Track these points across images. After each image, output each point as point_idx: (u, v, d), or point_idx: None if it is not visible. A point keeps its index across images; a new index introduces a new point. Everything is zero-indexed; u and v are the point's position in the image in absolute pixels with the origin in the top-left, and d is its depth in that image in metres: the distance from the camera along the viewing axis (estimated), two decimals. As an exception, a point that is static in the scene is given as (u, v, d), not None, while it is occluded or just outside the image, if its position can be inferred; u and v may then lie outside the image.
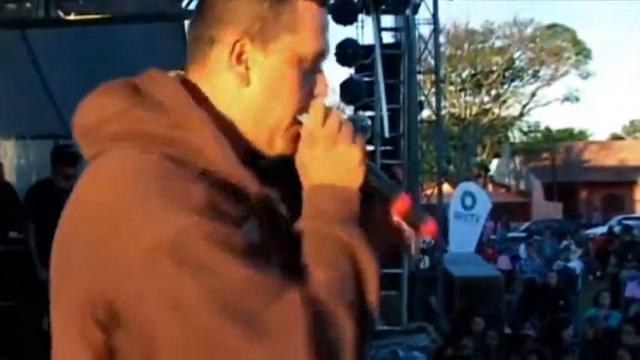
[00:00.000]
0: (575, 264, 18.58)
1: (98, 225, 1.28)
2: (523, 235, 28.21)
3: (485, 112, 48.25)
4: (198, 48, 1.44)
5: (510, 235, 29.31)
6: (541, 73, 49.37)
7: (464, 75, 48.21)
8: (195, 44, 1.45)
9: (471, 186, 18.35)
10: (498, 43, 48.63)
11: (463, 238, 15.62)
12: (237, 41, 1.39)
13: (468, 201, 16.31)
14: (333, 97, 10.86)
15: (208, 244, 1.22)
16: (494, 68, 48.08)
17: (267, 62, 1.41)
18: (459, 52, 47.36)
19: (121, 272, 1.24)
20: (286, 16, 1.40)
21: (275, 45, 1.41)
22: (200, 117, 1.36)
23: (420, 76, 11.72)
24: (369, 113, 9.76)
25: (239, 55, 1.40)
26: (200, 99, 1.40)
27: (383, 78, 8.87)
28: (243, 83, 1.41)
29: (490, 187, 50.01)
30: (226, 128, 1.40)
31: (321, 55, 1.46)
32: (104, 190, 1.31)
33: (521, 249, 21.00)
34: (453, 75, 47.15)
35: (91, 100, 1.50)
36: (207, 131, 1.35)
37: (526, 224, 37.73)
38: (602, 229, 31.48)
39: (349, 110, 10.02)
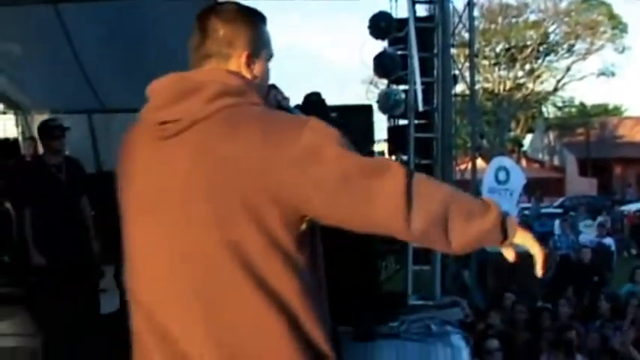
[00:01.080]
0: (607, 240, 18.44)
1: (261, 144, 2.10)
2: (557, 210, 28.05)
3: (519, 86, 47.85)
4: (220, 57, 2.36)
5: (544, 210, 29.08)
6: (576, 48, 48.80)
7: (498, 49, 47.76)
8: (215, 54, 2.36)
9: (505, 160, 18.14)
10: (533, 17, 48.11)
11: (497, 213, 15.49)
12: (246, 56, 2.37)
13: (502, 176, 16.13)
14: (366, 71, 10.78)
15: (335, 143, 2.12)
16: (529, 42, 47.59)
17: (259, 63, 2.41)
18: (493, 25, 46.91)
19: (285, 168, 2.08)
20: (263, 36, 2.45)
21: (262, 53, 2.43)
22: (253, 89, 2.33)
23: (453, 50, 11.58)
24: (402, 87, 9.69)
25: (248, 64, 2.37)
26: (248, 80, 2.37)
27: (417, 51, 8.78)
28: (253, 75, 2.39)
29: (524, 162, 49.72)
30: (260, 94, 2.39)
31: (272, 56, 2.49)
32: (255, 125, 2.16)
33: (556, 225, 20.88)
34: (487, 49, 46.73)
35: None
36: (257, 95, 2.33)
37: (560, 200, 37.52)
38: (636, 206, 31.24)
39: (382, 84, 9.95)
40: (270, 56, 2.46)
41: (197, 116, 2.19)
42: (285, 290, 2.16)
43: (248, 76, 2.35)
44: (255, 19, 2.41)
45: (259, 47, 2.40)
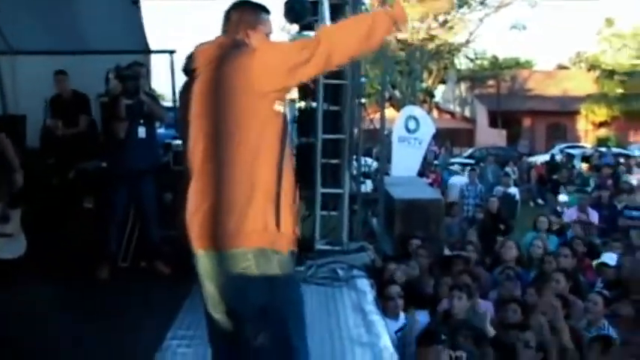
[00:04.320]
0: (514, 189, 18.81)
1: (259, 55, 3.54)
2: (467, 160, 28.44)
3: (433, 37, 48.04)
4: (230, 32, 3.81)
5: (454, 160, 29.47)
6: (489, 1, 49.13)
7: None
8: (228, 31, 3.83)
9: (415, 110, 18.33)
10: (447, -31, 48.20)
11: (406, 161, 15.63)
12: (249, 30, 3.81)
13: (412, 125, 16.30)
14: (277, 16, 10.67)
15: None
16: (442, -6, 47.74)
17: (257, 33, 3.83)
18: (407, -24, 46.83)
19: (267, 67, 3.50)
20: (261, 16, 3.88)
21: (259, 27, 3.84)
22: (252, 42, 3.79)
23: (366, -3, 11.53)
24: (312, 33, 9.61)
25: (248, 36, 3.79)
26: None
27: (327, -2, 8.70)
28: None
29: (435, 112, 50.24)
30: None
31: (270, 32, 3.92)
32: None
33: (464, 174, 21.19)
34: (401, -1, 46.64)
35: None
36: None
37: (470, 150, 38.06)
38: (544, 157, 31.88)
39: (293, 29, 9.86)
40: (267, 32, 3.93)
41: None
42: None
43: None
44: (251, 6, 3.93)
45: (257, 22, 3.88)
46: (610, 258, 9.75)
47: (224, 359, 3.85)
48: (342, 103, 8.91)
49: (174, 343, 5.69)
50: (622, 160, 26.63)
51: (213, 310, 3.73)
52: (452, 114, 55.18)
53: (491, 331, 6.96)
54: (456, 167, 25.51)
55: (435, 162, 26.82)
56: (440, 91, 56.92)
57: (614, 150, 34.18)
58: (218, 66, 3.61)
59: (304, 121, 9.08)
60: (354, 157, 9.44)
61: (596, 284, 9.15)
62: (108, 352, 5.63)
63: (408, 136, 16.19)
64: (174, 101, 11.07)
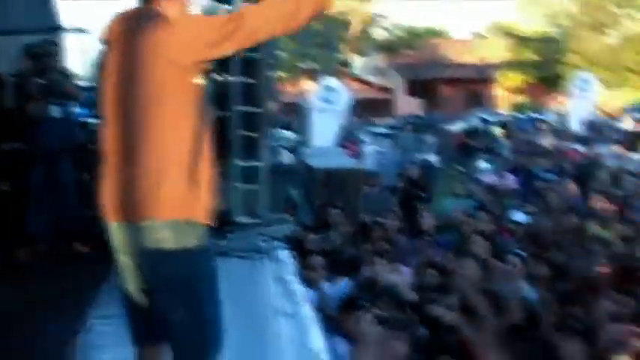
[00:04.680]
0: (433, 157, 18.98)
1: (178, 28, 3.51)
2: (385, 130, 28.57)
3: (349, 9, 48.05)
4: (147, 2, 3.64)
5: (373, 130, 29.57)
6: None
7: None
8: (145, 1, 3.65)
9: (331, 80, 18.39)
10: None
11: (324, 132, 15.70)
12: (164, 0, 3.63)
13: (329, 95, 16.38)
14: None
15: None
16: (358, -36, 47.79)
17: (174, 3, 3.66)
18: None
19: (186, 40, 3.47)
20: None
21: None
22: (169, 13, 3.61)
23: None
24: (225, 6, 9.54)
25: (164, 6, 3.61)
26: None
27: (238, -31, 8.64)
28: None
29: (353, 83, 50.34)
30: None
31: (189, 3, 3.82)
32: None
33: (383, 144, 21.31)
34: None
35: None
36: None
37: (388, 120, 38.24)
38: (461, 124, 32.17)
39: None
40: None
41: None
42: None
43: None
44: None
45: None
46: (520, 216, 9.97)
47: (140, 333, 3.84)
48: (257, 76, 8.87)
49: (98, 322, 5.65)
50: (537, 125, 27.00)
51: (129, 284, 3.72)
52: (370, 84, 55.35)
53: (411, 296, 7.04)
54: (374, 137, 25.58)
55: (355, 133, 26.87)
56: (357, 63, 57.05)
57: (531, 115, 34.68)
58: (133, 37, 3.55)
59: (220, 94, 9.03)
60: (272, 129, 9.44)
61: (511, 245, 9.30)
62: (30, 334, 5.57)
63: (326, 107, 16.25)
64: (88, 80, 10.93)
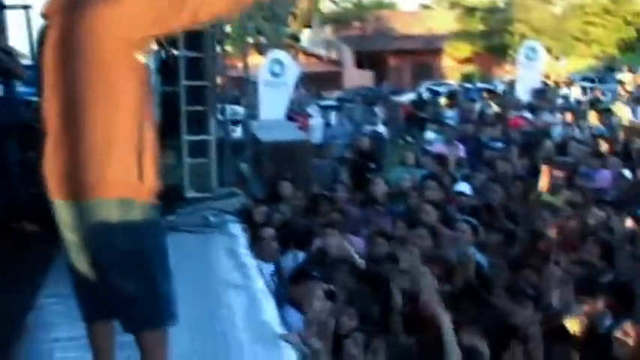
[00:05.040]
0: (382, 129, 19.06)
1: (124, 3, 3.39)
2: (334, 103, 28.59)
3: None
4: None
5: (322, 103, 29.60)
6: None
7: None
8: None
9: (280, 54, 18.37)
10: None
11: (273, 105, 15.69)
12: None
13: (277, 69, 16.37)
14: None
15: None
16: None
17: None
18: None
19: (131, 16, 3.38)
20: None
21: None
22: None
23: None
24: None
25: None
26: None
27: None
28: None
29: (302, 56, 50.23)
30: None
31: None
32: None
33: (333, 116, 21.34)
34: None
35: None
36: None
37: (338, 93, 38.27)
38: (410, 96, 32.29)
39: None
40: None
41: None
42: None
43: None
44: None
45: None
46: (465, 187, 10.10)
47: (90, 310, 3.82)
48: (204, 50, 8.83)
49: (49, 301, 5.61)
50: (485, 94, 27.16)
51: (77, 261, 3.70)
52: (318, 57, 55.27)
53: (362, 265, 7.09)
54: (324, 110, 25.60)
55: (304, 106, 26.86)
56: (305, 35, 56.92)
57: (479, 85, 34.94)
58: (73, 12, 3.45)
59: (166, 69, 8.98)
60: (220, 103, 9.42)
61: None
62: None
63: (274, 81, 16.26)
64: (32, 58, 10.76)
